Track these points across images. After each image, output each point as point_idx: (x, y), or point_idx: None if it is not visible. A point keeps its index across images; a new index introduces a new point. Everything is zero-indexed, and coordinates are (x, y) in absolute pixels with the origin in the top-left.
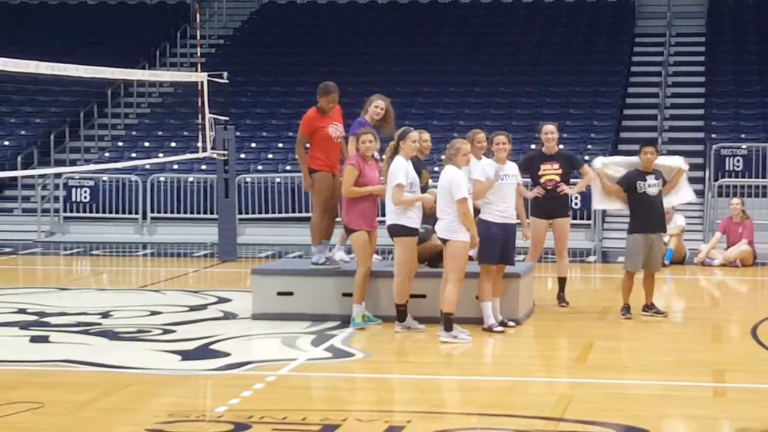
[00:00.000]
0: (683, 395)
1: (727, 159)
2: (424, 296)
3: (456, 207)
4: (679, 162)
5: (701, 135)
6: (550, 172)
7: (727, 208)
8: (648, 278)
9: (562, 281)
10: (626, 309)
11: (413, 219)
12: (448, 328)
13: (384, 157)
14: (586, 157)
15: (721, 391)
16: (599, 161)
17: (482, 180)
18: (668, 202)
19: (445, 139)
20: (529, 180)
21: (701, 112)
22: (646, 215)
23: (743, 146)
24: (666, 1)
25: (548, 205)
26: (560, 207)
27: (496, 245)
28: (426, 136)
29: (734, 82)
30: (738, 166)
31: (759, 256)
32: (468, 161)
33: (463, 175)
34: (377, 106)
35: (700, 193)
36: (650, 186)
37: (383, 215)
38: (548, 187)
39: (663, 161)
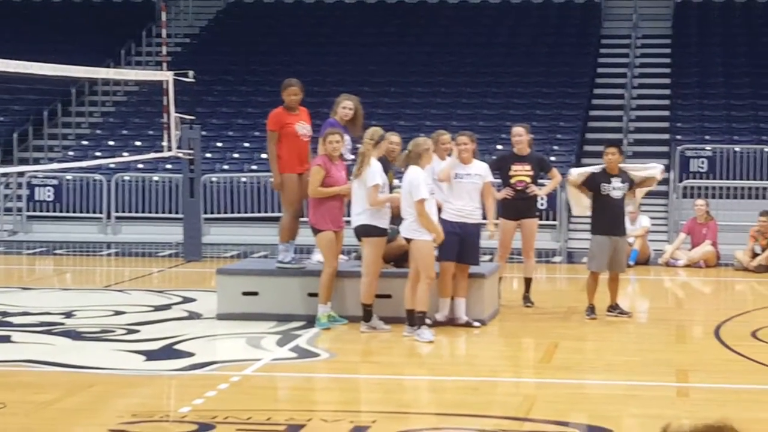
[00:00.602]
0: (647, 395)
1: (691, 160)
2: (389, 296)
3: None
4: (655, 171)
5: (666, 136)
6: (521, 173)
7: (691, 209)
8: (613, 279)
9: (527, 281)
10: (591, 309)
11: (385, 220)
12: (415, 324)
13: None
14: (553, 158)
15: (685, 391)
16: (575, 173)
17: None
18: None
19: (411, 139)
20: (499, 180)
21: (666, 113)
22: (610, 217)
23: (708, 148)
24: (632, 3)
25: (517, 206)
26: (529, 208)
27: (452, 243)
28: (395, 138)
29: (699, 84)
30: (702, 168)
31: (723, 257)
32: (429, 159)
33: (423, 176)
34: (345, 106)
35: (664, 194)
36: (614, 189)
37: (348, 215)
38: (518, 188)
39: (640, 172)
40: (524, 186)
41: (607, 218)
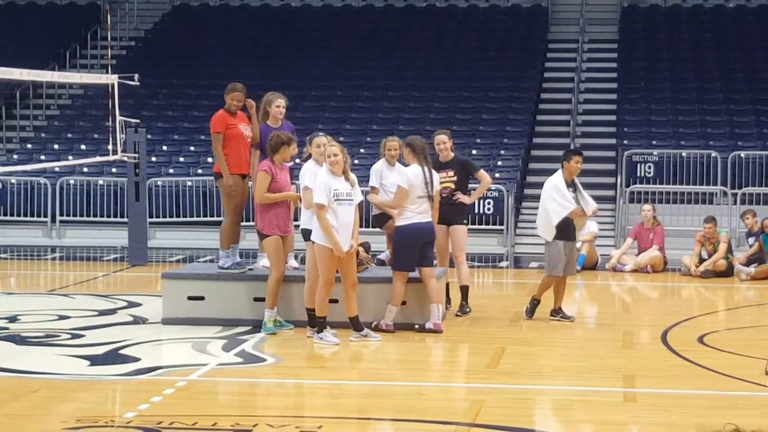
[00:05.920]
0: (594, 400)
1: (638, 165)
2: (335, 301)
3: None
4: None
5: (613, 141)
6: (445, 179)
7: (638, 214)
8: (560, 283)
9: (464, 289)
10: (532, 307)
11: None
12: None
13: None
14: (499, 163)
15: (632, 397)
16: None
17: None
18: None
19: (358, 144)
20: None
21: (613, 118)
22: (566, 224)
23: (654, 153)
24: (579, 8)
25: (445, 213)
26: (456, 214)
27: None
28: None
29: (646, 89)
30: (649, 173)
31: (669, 262)
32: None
33: (325, 182)
34: (279, 105)
35: (611, 200)
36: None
37: (296, 220)
38: (443, 195)
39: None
40: (449, 193)
41: (564, 224)
